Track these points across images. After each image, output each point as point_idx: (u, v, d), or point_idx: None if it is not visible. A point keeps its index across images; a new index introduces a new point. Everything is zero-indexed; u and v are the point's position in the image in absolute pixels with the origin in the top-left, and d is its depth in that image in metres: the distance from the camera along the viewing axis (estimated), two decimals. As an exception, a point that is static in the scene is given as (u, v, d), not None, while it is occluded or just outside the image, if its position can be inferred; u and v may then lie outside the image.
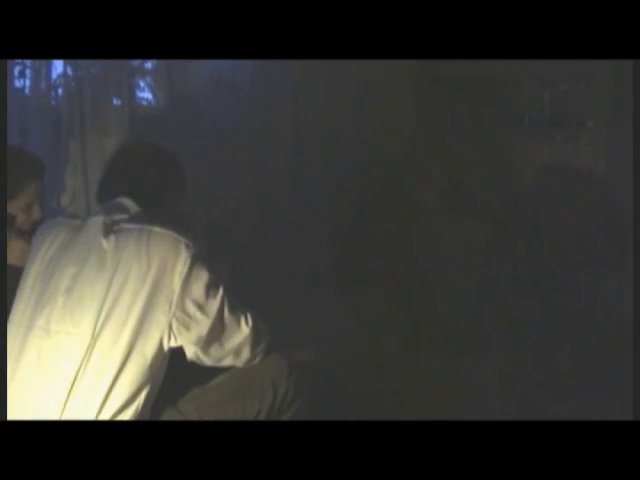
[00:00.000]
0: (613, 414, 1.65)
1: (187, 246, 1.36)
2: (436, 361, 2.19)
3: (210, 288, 1.38)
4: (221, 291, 1.39)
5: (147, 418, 1.37)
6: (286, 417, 1.51)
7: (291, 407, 1.52)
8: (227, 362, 1.46)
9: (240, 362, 1.47)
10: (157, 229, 1.37)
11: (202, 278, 1.37)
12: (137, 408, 1.33)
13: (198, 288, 1.36)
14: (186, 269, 1.35)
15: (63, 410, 1.29)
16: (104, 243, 1.37)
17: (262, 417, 1.48)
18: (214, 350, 1.42)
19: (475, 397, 2.20)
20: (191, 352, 1.39)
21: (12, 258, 1.58)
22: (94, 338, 1.31)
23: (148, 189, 1.52)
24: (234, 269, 1.70)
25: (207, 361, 1.43)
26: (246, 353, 1.46)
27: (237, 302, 1.44)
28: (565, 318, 2.12)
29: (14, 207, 1.65)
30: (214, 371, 1.47)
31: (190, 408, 1.45)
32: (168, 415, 1.42)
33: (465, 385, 2.21)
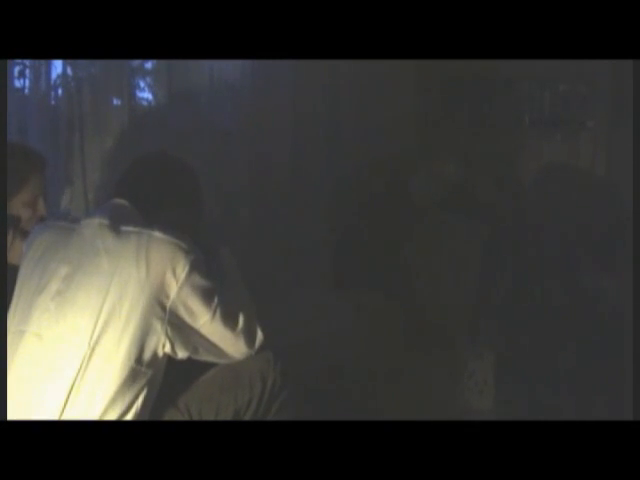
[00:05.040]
0: (613, 414, 1.65)
1: (186, 252, 1.35)
2: (436, 361, 2.19)
3: (205, 295, 1.37)
4: (216, 299, 1.39)
5: (145, 418, 1.37)
6: (277, 405, 1.52)
7: (280, 395, 1.52)
8: (219, 362, 1.48)
9: (230, 361, 1.48)
10: (157, 234, 1.35)
11: (198, 285, 1.36)
12: (135, 413, 1.33)
13: (193, 295, 1.36)
14: (183, 276, 1.34)
15: (60, 417, 1.28)
16: (100, 245, 1.35)
17: (253, 406, 1.49)
18: (205, 354, 1.43)
19: (475, 397, 2.20)
20: (184, 355, 1.39)
21: (17, 259, 1.56)
22: (91, 346, 1.29)
23: (158, 199, 1.50)
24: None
25: (199, 359, 1.44)
26: (236, 356, 1.47)
27: (232, 308, 1.43)
28: (565, 318, 2.12)
29: (18, 203, 1.62)
30: (204, 365, 1.48)
31: (184, 401, 1.45)
32: (163, 411, 1.43)
33: (465, 385, 2.21)
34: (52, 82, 2.55)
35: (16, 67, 2.52)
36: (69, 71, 2.52)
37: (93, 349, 1.29)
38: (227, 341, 1.43)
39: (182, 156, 1.63)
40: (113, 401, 1.30)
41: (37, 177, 1.67)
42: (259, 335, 1.49)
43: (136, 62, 2.58)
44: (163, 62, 2.50)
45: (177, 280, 1.34)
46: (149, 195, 1.50)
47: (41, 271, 1.37)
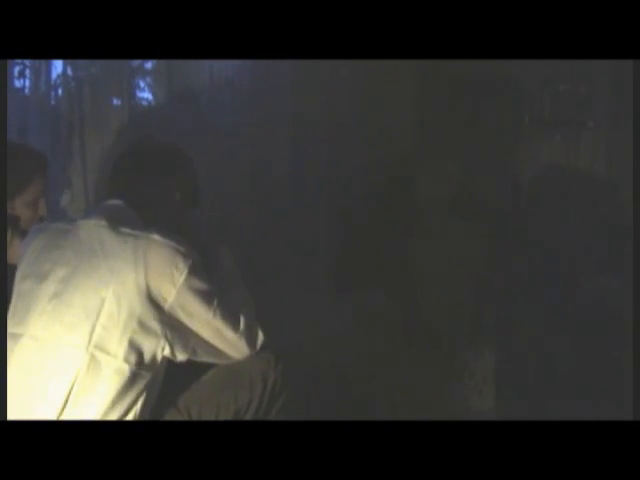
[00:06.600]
0: (613, 414, 1.65)
1: (184, 256, 1.35)
2: (436, 361, 2.19)
3: (204, 298, 1.37)
4: (215, 301, 1.39)
5: (145, 418, 1.37)
6: (277, 406, 1.52)
7: (281, 396, 1.52)
8: (219, 363, 1.47)
9: (231, 362, 1.47)
10: (155, 237, 1.34)
11: (196, 288, 1.36)
12: (135, 415, 1.32)
13: (192, 298, 1.36)
14: (182, 279, 1.34)
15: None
16: (97, 247, 1.34)
17: (254, 406, 1.49)
18: (204, 355, 1.43)
19: (475, 397, 2.20)
20: (183, 358, 1.39)
21: (16, 259, 1.56)
22: (89, 349, 1.29)
23: (155, 193, 1.49)
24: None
25: (198, 360, 1.43)
26: (237, 357, 1.46)
27: (232, 309, 1.43)
28: (565, 318, 2.12)
29: (20, 203, 1.63)
30: (204, 366, 1.48)
31: (184, 402, 1.45)
32: (163, 411, 1.42)
33: (464, 385, 2.21)
34: (52, 82, 2.55)
35: (16, 67, 2.52)
36: (69, 71, 2.52)
37: (91, 352, 1.29)
38: (228, 343, 1.43)
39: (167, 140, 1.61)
40: (112, 404, 1.29)
41: (40, 178, 1.68)
42: (260, 336, 1.48)
43: (136, 62, 2.58)
44: (163, 62, 2.50)
45: (175, 284, 1.33)
46: (143, 184, 1.49)
47: (38, 273, 1.36)
